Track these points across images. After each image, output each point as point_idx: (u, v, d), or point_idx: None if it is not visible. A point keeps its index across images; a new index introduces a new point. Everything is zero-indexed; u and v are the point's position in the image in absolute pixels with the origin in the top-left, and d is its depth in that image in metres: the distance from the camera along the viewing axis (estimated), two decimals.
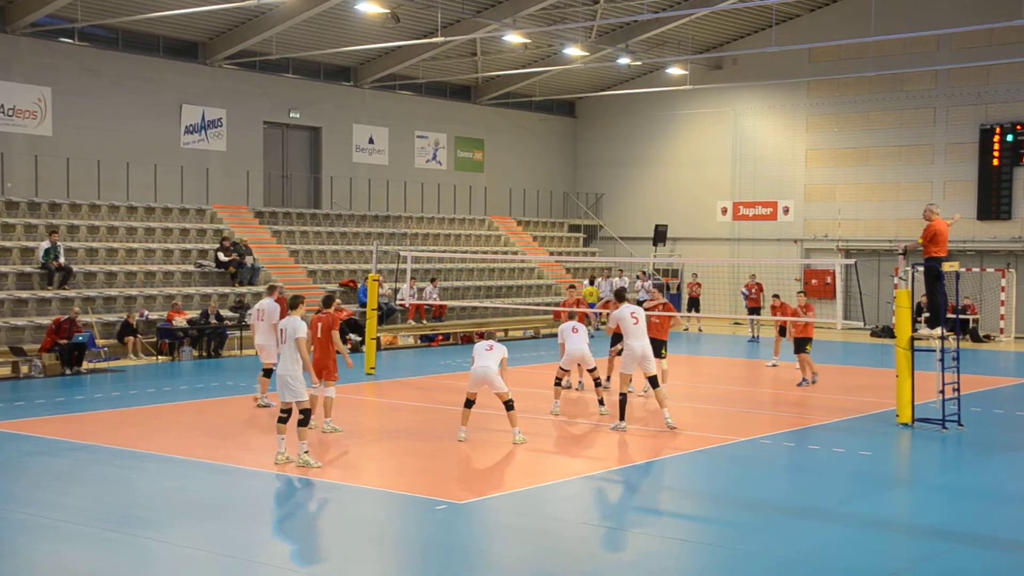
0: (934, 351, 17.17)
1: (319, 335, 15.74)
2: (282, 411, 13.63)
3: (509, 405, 15.03)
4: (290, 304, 13.80)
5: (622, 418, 16.26)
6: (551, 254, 40.31)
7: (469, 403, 15.17)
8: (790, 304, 24.86)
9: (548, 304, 33.83)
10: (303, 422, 13.36)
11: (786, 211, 39.44)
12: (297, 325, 13.43)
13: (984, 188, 35.18)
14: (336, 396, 16.04)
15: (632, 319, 16.19)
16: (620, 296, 17.21)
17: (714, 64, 40.24)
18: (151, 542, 10.28)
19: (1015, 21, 26.30)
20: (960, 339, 18.69)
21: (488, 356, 14.94)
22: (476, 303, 33.23)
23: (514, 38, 32.92)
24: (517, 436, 15.11)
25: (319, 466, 13.31)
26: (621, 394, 16.23)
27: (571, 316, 18.82)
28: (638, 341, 16.08)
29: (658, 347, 18.28)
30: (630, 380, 16.68)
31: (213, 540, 10.49)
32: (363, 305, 27.60)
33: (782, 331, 24.85)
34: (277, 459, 13.53)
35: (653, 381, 16.25)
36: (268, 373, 17.37)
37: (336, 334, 15.93)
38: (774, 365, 24.93)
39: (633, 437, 15.98)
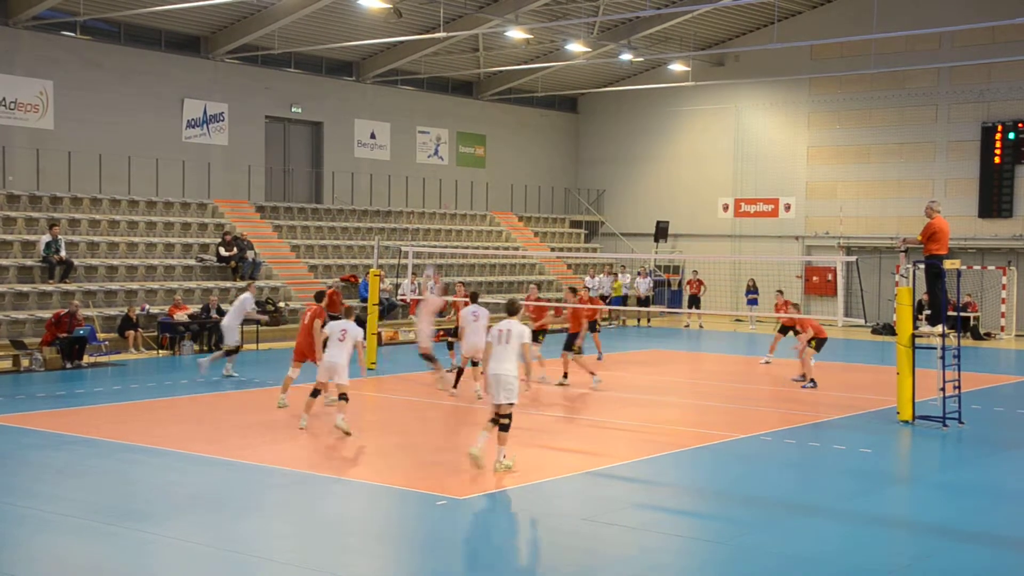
0: (935, 349, 17.16)
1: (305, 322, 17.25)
2: (496, 413, 12.88)
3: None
4: (509, 310, 13.18)
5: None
6: (552, 250, 40.31)
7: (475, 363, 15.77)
8: (792, 301, 25.01)
9: (547, 300, 33.76)
10: (505, 427, 12.73)
11: (787, 208, 39.43)
12: (523, 330, 12.90)
13: (985, 186, 35.16)
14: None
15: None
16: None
17: (716, 61, 40.21)
18: (150, 536, 10.29)
19: (1017, 19, 26.31)
20: (961, 337, 18.68)
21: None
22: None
23: (516, 34, 32.87)
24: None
25: (512, 467, 12.75)
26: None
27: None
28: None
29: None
30: None
31: (212, 534, 10.49)
32: (364, 300, 27.59)
33: (783, 329, 24.85)
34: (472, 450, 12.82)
35: None
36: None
37: (318, 324, 16.73)
38: (767, 362, 24.93)
39: (633, 433, 15.98)
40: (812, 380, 20.94)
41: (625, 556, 10.01)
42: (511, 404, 12.77)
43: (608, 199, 44.10)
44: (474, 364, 18.46)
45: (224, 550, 9.98)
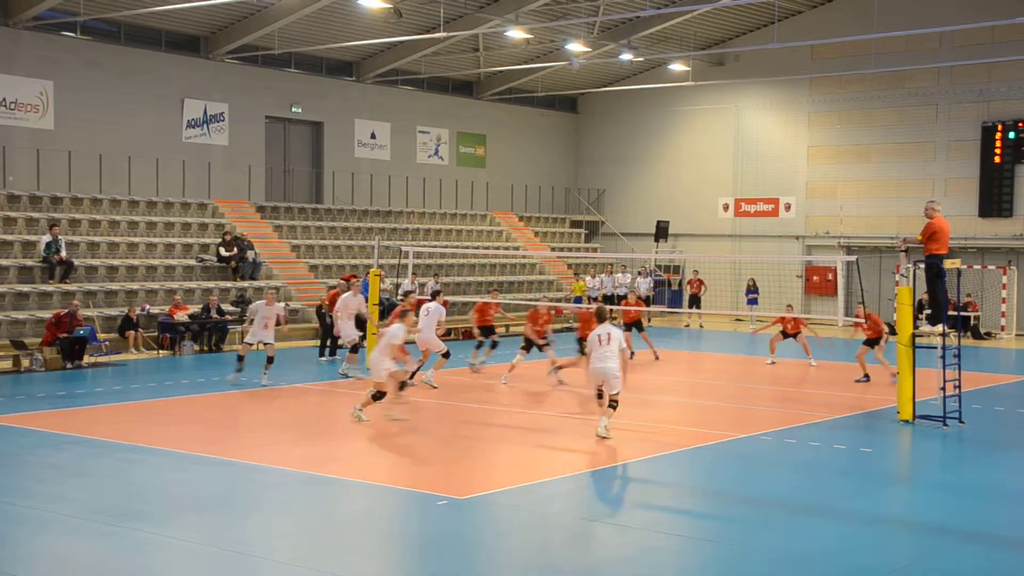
0: (935, 348, 17.16)
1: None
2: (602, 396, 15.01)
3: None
4: (600, 318, 15.12)
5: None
6: (552, 249, 40.31)
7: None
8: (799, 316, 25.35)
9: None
10: (614, 405, 14.98)
11: (788, 208, 39.43)
12: (621, 334, 14.97)
13: (986, 185, 35.16)
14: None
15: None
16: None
17: (716, 60, 40.21)
18: (150, 536, 10.29)
19: (1017, 19, 26.29)
20: (961, 336, 18.68)
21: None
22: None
23: (516, 34, 32.87)
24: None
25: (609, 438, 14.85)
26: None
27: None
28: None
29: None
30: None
31: (212, 534, 10.49)
32: (365, 300, 27.53)
33: (783, 332, 24.92)
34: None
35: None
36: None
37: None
38: (772, 363, 24.92)
39: (633, 433, 15.98)
40: (866, 375, 21.42)
41: (625, 556, 10.01)
42: (616, 392, 14.86)
43: (608, 199, 44.10)
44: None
45: (224, 550, 9.99)
